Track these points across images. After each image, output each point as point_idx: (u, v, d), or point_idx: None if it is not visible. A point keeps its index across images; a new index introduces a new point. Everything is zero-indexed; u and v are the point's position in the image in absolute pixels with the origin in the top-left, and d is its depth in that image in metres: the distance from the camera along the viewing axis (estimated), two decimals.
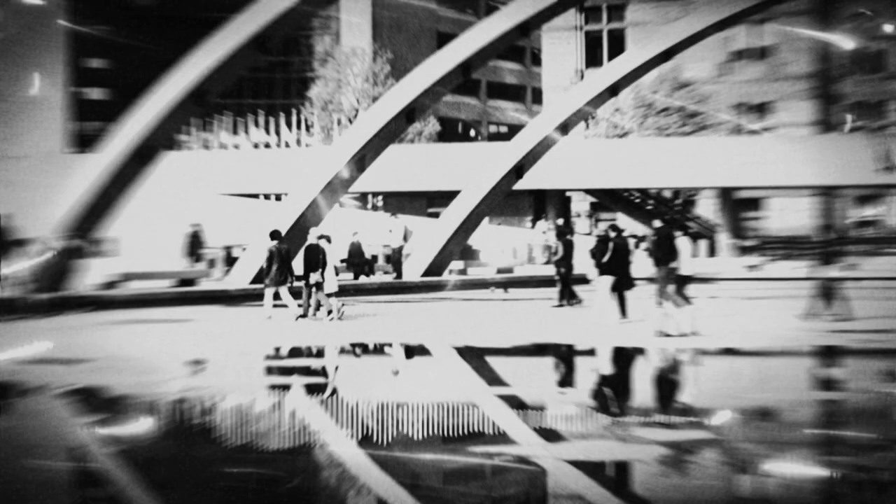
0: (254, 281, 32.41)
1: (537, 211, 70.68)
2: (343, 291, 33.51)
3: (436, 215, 52.17)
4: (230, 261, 35.25)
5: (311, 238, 24.11)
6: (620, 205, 68.43)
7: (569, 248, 27.00)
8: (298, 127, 71.61)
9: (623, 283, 22.41)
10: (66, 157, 72.33)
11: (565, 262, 26.88)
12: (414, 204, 69.95)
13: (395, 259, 36.59)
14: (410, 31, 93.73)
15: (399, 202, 67.33)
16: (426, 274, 37.29)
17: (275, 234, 24.43)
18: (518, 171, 39.30)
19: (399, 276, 36.26)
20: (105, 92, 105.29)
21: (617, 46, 73.37)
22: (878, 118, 73.36)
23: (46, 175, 47.62)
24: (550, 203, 70.15)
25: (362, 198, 68.01)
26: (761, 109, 75.24)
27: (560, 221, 30.66)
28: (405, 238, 36.81)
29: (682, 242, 23.02)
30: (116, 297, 29.22)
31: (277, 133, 70.74)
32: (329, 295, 23.85)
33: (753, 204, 73.42)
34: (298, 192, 33.63)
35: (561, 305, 26.61)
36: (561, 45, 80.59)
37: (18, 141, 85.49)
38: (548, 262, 28.35)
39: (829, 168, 56.42)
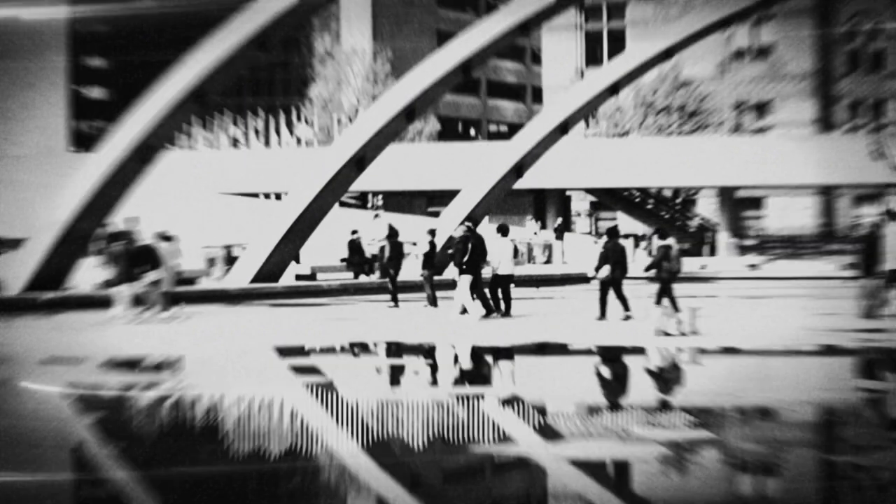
0: (254, 280, 32.44)
1: (537, 210, 70.70)
2: (343, 291, 33.65)
3: (436, 214, 52.18)
4: (230, 260, 35.26)
5: (148, 238, 24.28)
6: (620, 204, 68.46)
7: (396, 249, 27.64)
8: (299, 124, 71.63)
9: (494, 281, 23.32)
10: (67, 156, 72.36)
11: (393, 263, 27.52)
12: (414, 203, 69.98)
13: (383, 258, 36.28)
14: (410, 30, 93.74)
15: (399, 202, 67.37)
16: None
17: (121, 235, 24.66)
18: (518, 170, 39.29)
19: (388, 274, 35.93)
20: (105, 91, 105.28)
21: (617, 45, 73.36)
22: (878, 117, 73.34)
23: (47, 174, 47.65)
24: (550, 202, 70.17)
25: (362, 197, 68.04)
26: (761, 109, 75.24)
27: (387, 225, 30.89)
28: (392, 237, 36.52)
29: (499, 244, 23.53)
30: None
31: (277, 132, 70.75)
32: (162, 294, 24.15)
33: (753, 203, 73.44)
34: (298, 191, 33.63)
35: (395, 306, 27.02)
36: (561, 44, 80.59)
37: (19, 141, 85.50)
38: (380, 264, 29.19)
39: (829, 168, 56.44)
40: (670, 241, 22.26)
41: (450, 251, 24.25)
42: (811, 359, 18.14)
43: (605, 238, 23.10)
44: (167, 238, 24.68)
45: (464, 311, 23.16)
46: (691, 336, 19.57)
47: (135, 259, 23.64)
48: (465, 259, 23.00)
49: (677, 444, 10.68)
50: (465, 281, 23.05)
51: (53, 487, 9.56)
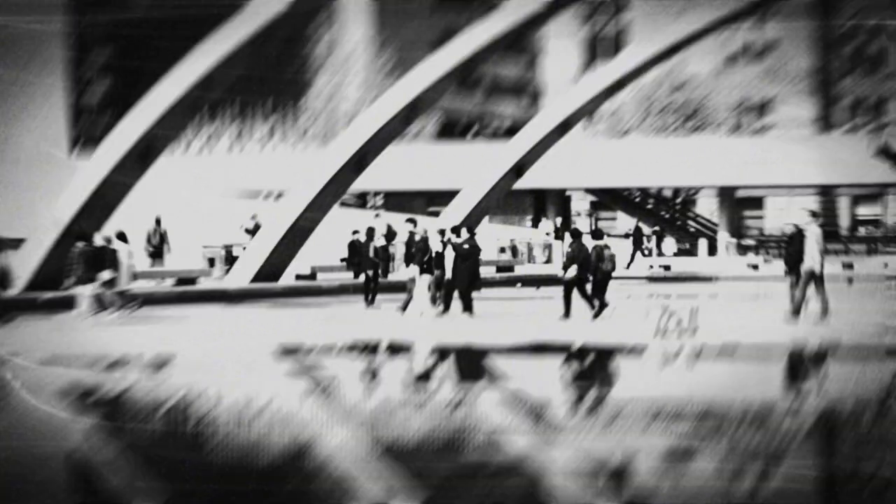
0: (254, 280, 32.43)
1: (537, 210, 70.69)
2: (342, 290, 33.55)
3: (436, 214, 52.16)
4: (230, 260, 35.24)
5: (99, 239, 24.20)
6: (620, 204, 68.50)
7: (365, 249, 28.33)
8: (299, 124, 71.64)
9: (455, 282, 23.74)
10: (66, 157, 72.33)
11: (372, 262, 28.10)
12: (414, 203, 69.95)
13: (381, 258, 36.17)
14: (410, 30, 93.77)
15: (399, 202, 67.35)
16: None
17: (81, 237, 24.67)
18: (518, 170, 39.30)
19: (385, 275, 35.79)
20: (105, 92, 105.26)
21: (618, 45, 73.38)
22: (879, 117, 73.33)
23: (46, 175, 47.66)
24: (550, 202, 70.17)
25: (362, 197, 68.04)
26: (761, 108, 75.24)
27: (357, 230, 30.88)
28: (389, 237, 36.48)
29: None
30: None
31: (277, 132, 70.76)
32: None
33: (753, 203, 73.45)
34: (298, 191, 33.62)
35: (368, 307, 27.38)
36: (561, 44, 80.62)
37: (18, 142, 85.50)
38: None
39: (829, 168, 56.45)
40: (604, 241, 23.09)
41: (412, 250, 24.53)
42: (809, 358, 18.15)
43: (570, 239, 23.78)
44: (124, 238, 24.67)
45: (405, 307, 23.80)
46: (690, 336, 19.58)
47: (92, 260, 23.76)
48: (426, 259, 23.62)
49: (665, 442, 10.69)
50: (423, 281, 23.65)
51: (54, 487, 9.57)
